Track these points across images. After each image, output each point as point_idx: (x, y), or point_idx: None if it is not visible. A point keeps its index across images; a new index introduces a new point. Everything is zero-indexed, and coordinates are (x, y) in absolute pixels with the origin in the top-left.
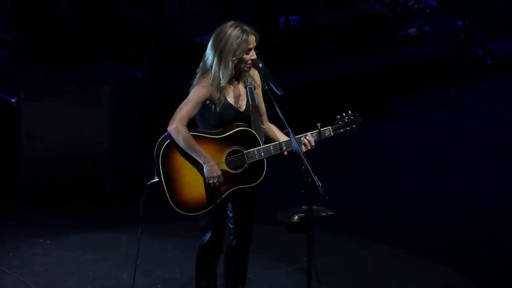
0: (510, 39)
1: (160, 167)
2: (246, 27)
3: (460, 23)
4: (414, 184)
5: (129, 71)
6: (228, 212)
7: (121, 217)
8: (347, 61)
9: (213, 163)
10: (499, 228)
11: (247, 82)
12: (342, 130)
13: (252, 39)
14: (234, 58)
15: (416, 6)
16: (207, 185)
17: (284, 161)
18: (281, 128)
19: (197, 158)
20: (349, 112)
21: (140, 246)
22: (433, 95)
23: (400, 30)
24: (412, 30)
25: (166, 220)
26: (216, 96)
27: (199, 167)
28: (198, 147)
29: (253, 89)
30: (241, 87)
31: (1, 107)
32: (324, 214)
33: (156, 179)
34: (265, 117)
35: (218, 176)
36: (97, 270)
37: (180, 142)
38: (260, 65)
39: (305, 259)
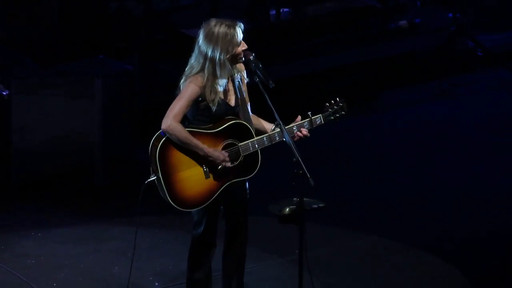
0: (501, 31)
1: (158, 165)
2: (229, 22)
3: (451, 15)
4: (405, 176)
5: (120, 64)
6: (221, 207)
7: (112, 209)
8: (338, 54)
9: (213, 150)
10: (490, 219)
11: (234, 75)
12: (332, 117)
13: (239, 30)
14: (228, 56)
15: None
16: (207, 178)
17: (275, 153)
18: (271, 120)
19: (197, 151)
20: (337, 99)
21: (132, 239)
22: (424, 87)
23: (391, 23)
24: (403, 23)
25: (157, 212)
26: (210, 97)
27: (195, 162)
28: (195, 140)
29: (240, 83)
30: (229, 82)
31: None
32: (316, 206)
33: (153, 177)
34: (249, 107)
35: (225, 158)
36: (88, 263)
37: (176, 137)
38: (251, 57)
39: (297, 251)
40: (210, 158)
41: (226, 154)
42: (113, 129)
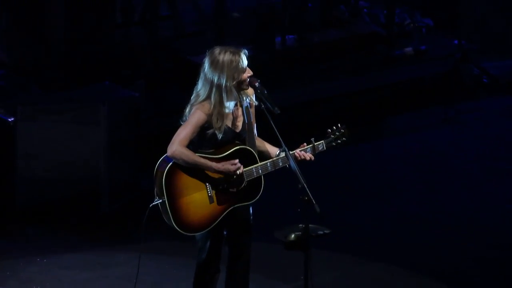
0: (507, 58)
1: (164, 189)
2: (233, 49)
3: (456, 42)
4: (410, 202)
5: (126, 91)
6: (225, 232)
7: (118, 235)
8: (343, 80)
9: (222, 164)
10: (498, 245)
11: (243, 101)
12: (334, 143)
13: (244, 57)
14: (234, 83)
15: (412, 25)
16: (212, 203)
17: (281, 179)
18: (277, 146)
19: (207, 169)
20: (339, 125)
21: (137, 265)
22: (430, 114)
23: (396, 49)
24: (408, 49)
25: (162, 238)
26: (217, 124)
27: (200, 186)
28: (201, 159)
29: (249, 107)
30: (237, 108)
31: None
32: (321, 232)
33: (157, 201)
34: (255, 129)
35: (237, 167)
36: None
37: (183, 161)
38: (257, 84)
39: (302, 277)
40: (223, 171)
41: (237, 164)
42: (118, 156)
